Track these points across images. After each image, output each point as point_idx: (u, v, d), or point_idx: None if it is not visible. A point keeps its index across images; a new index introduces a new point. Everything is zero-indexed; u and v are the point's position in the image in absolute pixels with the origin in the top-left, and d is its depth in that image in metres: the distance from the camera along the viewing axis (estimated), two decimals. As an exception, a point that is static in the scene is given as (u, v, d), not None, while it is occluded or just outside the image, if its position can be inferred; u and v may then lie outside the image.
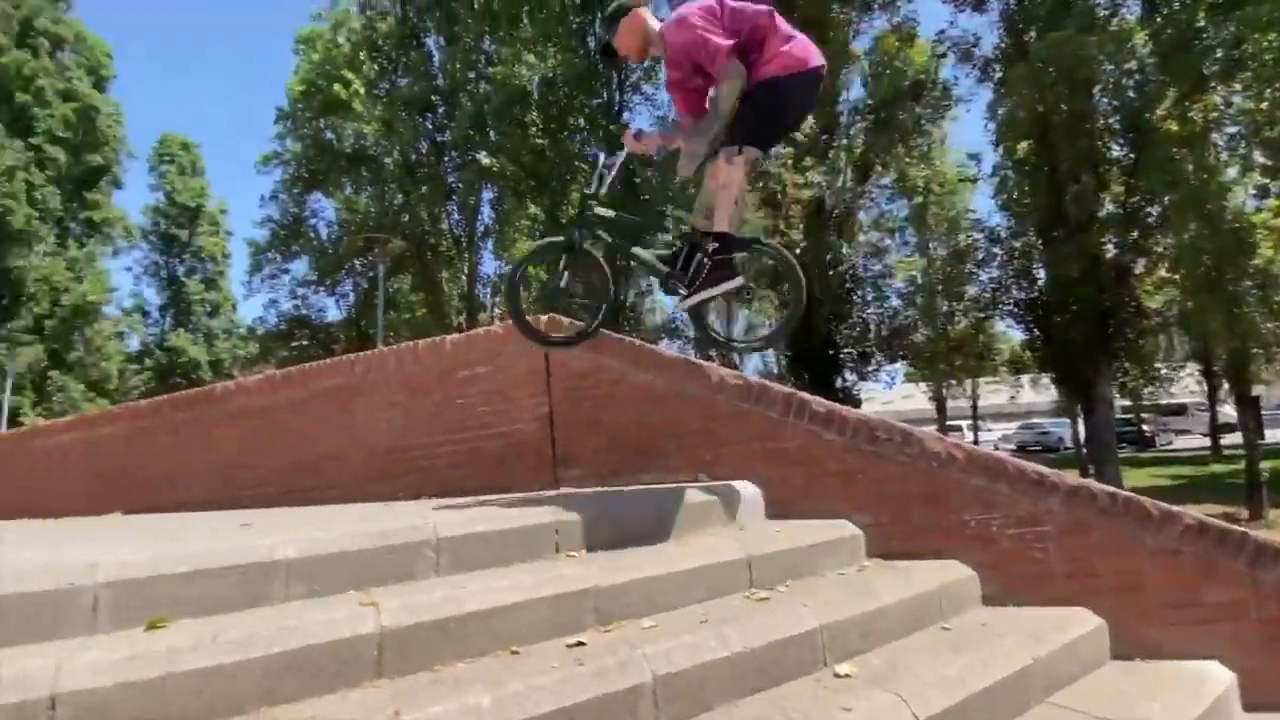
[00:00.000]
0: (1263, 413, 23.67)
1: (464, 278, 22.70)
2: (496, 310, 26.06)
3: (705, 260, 2.38)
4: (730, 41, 2.27)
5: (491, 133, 17.21)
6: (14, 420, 24.34)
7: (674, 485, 2.73)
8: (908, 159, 15.67)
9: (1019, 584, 2.43)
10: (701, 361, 2.82)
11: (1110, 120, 13.99)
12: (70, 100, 29.20)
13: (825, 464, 2.57)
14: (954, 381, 26.55)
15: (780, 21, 2.37)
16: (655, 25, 2.49)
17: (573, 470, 3.04)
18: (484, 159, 16.25)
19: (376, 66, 20.54)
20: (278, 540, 1.77)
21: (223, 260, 37.65)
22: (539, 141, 16.87)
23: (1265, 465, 14.37)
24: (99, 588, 1.54)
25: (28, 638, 1.47)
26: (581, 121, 18.24)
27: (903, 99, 15.11)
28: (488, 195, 21.12)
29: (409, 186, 19.79)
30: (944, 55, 15.52)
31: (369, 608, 1.60)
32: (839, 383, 16.31)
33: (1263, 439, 17.36)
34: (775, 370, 21.10)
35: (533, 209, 18.50)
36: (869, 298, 17.61)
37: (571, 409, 3.05)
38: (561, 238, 2.72)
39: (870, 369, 17.50)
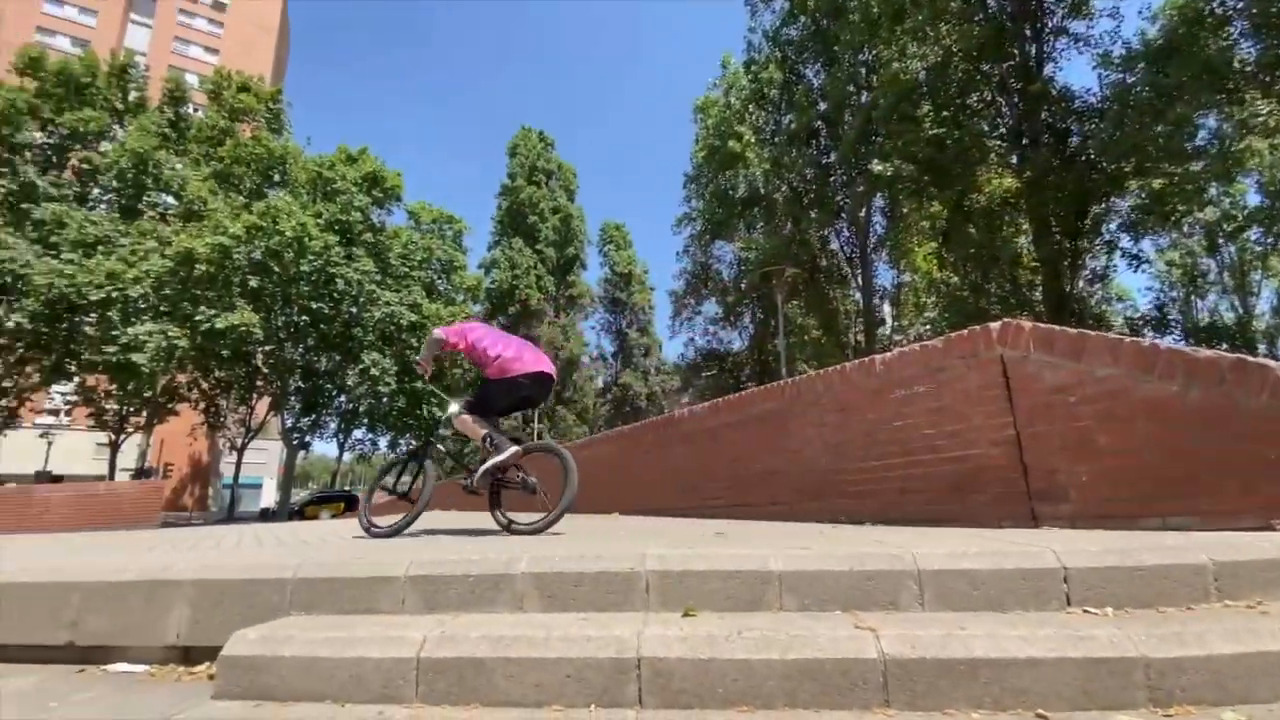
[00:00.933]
0: None
1: (857, 294, 22.27)
2: (895, 323, 24.69)
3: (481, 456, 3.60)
4: (442, 333, 3.83)
5: (879, 139, 16.58)
6: (542, 440, 34.95)
7: (1232, 534, 1.99)
8: None
9: None
10: (1266, 361, 1.99)
11: None
12: (556, 213, 41.19)
13: None
14: None
15: (486, 342, 3.68)
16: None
17: (1059, 505, 2.52)
18: (875, 166, 15.66)
19: (763, 113, 22.30)
20: (768, 553, 1.95)
21: (649, 311, 47.06)
22: (935, 131, 15.41)
23: None
24: (649, 574, 1.96)
25: (609, 607, 1.97)
26: (987, 94, 15.98)
27: None
28: (879, 204, 20.35)
29: (798, 214, 20.64)
30: None
31: (867, 632, 1.60)
32: None
33: None
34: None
35: (934, 206, 16.90)
36: None
37: (1050, 430, 2.55)
38: (407, 455, 3.97)
39: None
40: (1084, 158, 13.91)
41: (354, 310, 25.41)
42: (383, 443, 32.32)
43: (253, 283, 22.72)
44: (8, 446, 26.33)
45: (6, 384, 23.46)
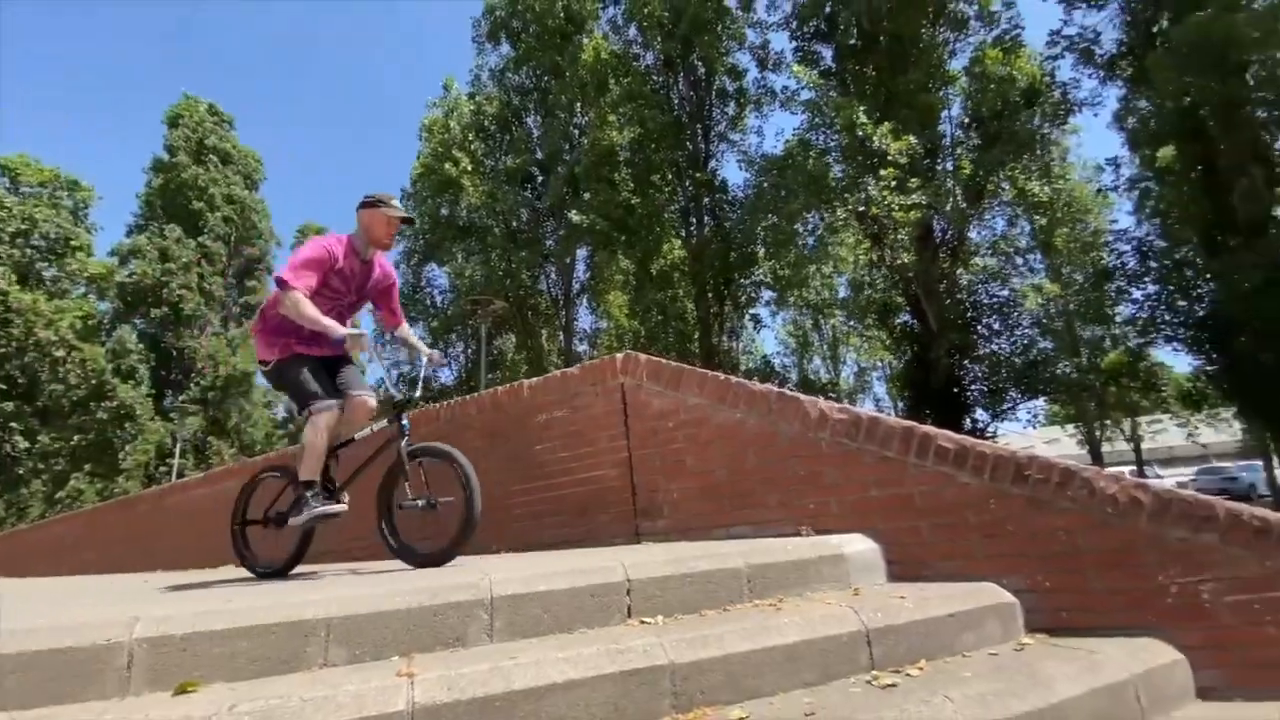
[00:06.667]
0: None
1: (561, 334, 23.46)
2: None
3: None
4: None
5: (584, 193, 17.99)
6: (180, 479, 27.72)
7: (769, 539, 2.35)
8: (1023, 175, 14.20)
9: (1249, 672, 1.78)
10: (798, 394, 2.44)
11: (1275, 110, 12.13)
12: (232, 203, 34.28)
13: (961, 514, 2.08)
14: (1108, 421, 23.38)
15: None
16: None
17: (656, 521, 2.73)
18: (575, 216, 16.91)
19: (483, 145, 22.30)
20: (313, 598, 1.61)
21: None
22: (628, 196, 17.35)
23: None
24: (134, 644, 1.43)
25: (46, 699, 1.37)
26: (668, 174, 18.65)
27: (1013, 109, 13.93)
28: (582, 254, 21.91)
29: (511, 251, 20.96)
30: (1060, 56, 14.43)
31: (404, 679, 1.37)
32: (968, 424, 14.76)
33: None
34: (892, 413, 19.68)
35: (624, 261, 18.85)
36: (996, 327, 15.99)
37: (653, 452, 2.76)
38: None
39: (1004, 406, 15.64)
40: (732, 238, 17.36)
41: None
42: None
43: None
44: None
45: None
